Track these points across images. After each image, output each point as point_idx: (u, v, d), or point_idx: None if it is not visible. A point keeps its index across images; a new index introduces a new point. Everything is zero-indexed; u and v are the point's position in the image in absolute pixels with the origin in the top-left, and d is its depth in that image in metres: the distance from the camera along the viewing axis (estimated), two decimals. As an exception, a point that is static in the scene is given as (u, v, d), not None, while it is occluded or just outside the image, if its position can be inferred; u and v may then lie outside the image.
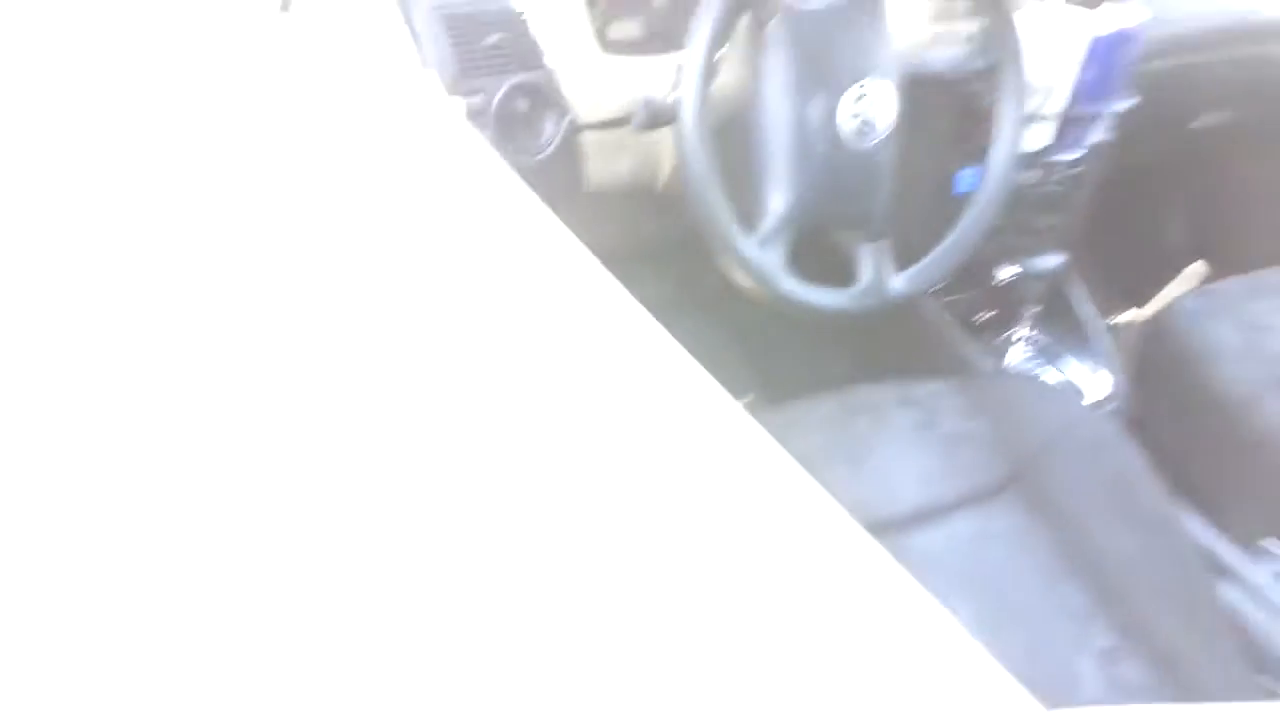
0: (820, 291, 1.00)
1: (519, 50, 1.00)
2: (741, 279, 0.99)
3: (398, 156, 0.69)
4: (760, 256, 0.97)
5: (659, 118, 0.97)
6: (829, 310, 1.01)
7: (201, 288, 0.53)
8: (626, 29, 1.09)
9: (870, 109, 0.99)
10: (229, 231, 0.58)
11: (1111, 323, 1.44)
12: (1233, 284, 1.29)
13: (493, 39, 0.98)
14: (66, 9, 0.88)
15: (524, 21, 1.00)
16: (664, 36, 1.07)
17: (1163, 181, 1.46)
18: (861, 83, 0.97)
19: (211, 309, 0.51)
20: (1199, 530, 1.22)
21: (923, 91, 1.11)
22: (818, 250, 1.05)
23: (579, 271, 0.53)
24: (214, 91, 0.76)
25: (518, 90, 0.98)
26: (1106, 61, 1.18)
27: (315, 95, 0.79)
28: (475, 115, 0.94)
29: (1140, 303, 1.48)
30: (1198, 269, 1.51)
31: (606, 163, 1.07)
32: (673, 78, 0.94)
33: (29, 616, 0.35)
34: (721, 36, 0.92)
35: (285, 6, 0.92)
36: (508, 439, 0.42)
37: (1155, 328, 1.29)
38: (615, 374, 0.46)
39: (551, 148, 1.01)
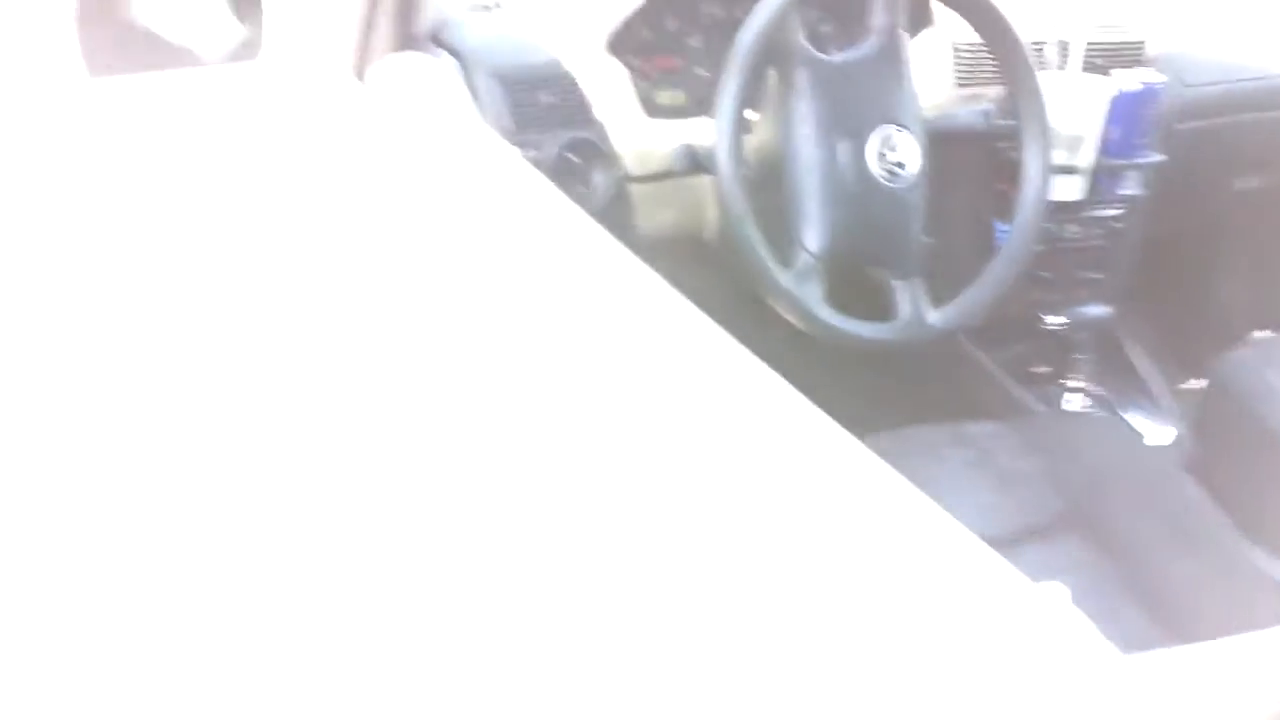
0: (858, 324, 1.03)
1: (570, 108, 1.08)
2: (783, 312, 1.03)
3: (471, 201, 0.75)
4: (798, 290, 1.01)
5: (698, 163, 1.04)
6: (866, 341, 1.04)
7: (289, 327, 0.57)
8: (670, 96, 1.18)
9: (897, 152, 1.05)
10: (319, 271, 0.63)
11: (1177, 388, 1.44)
12: None
13: (546, 98, 1.07)
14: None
15: (575, 82, 1.09)
16: (706, 102, 1.15)
17: (1213, 244, 1.48)
18: (886, 127, 1.03)
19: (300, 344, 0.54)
20: (1265, 562, 1.18)
21: (954, 144, 1.16)
22: (858, 289, 1.09)
23: (653, 297, 0.56)
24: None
25: (569, 145, 1.06)
26: (1130, 117, 1.24)
27: (389, 147, 0.87)
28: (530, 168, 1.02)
29: (1199, 368, 1.48)
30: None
31: (655, 213, 1.14)
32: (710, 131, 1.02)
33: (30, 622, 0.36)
34: (749, 86, 0.99)
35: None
36: (606, 465, 0.45)
37: (1218, 377, 1.28)
38: (716, 401, 0.48)
39: (602, 199, 1.08)
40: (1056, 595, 0.33)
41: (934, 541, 0.34)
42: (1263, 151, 1.43)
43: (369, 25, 1.01)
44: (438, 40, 1.06)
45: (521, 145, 1.03)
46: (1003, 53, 1.10)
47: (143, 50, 0.90)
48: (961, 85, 1.26)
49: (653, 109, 1.16)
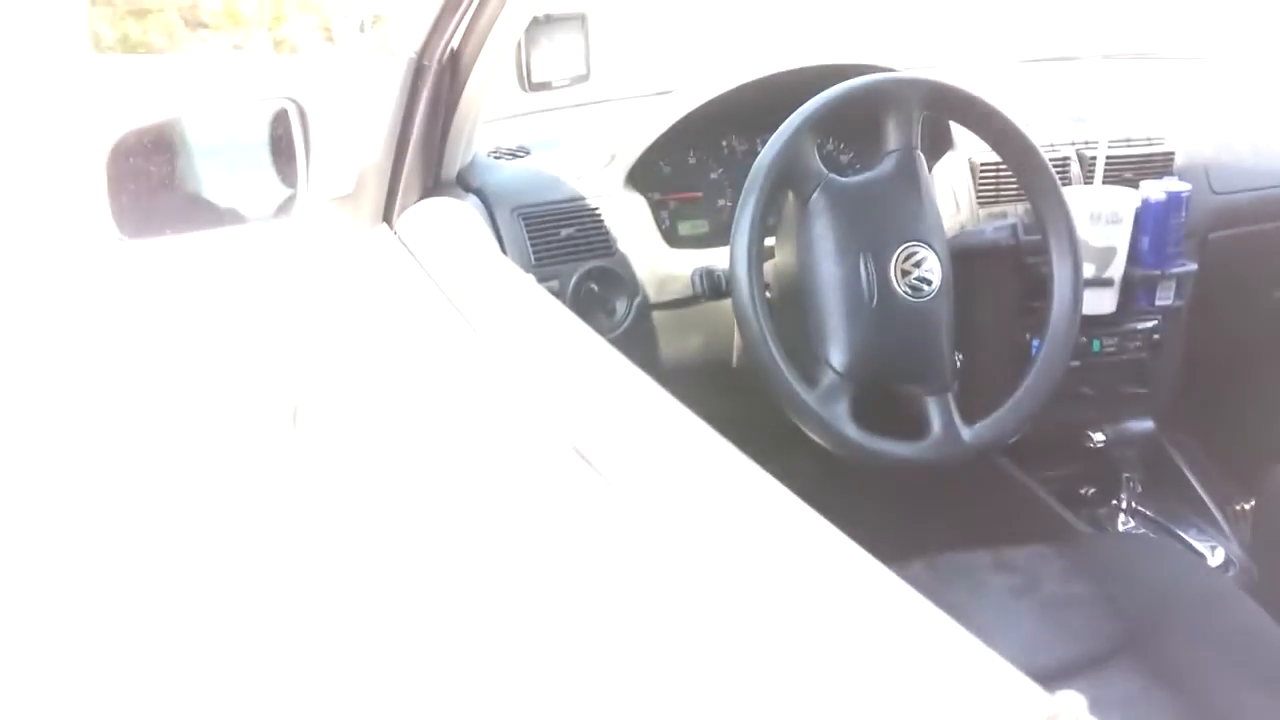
0: (889, 442, 1.01)
1: (591, 240, 1.11)
2: (811, 433, 1.01)
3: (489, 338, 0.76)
4: (824, 410, 1.00)
5: (717, 287, 1.05)
6: (898, 460, 1.01)
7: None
8: (691, 227, 1.20)
9: (920, 269, 1.04)
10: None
11: (1232, 508, 1.38)
12: None
13: (567, 231, 1.09)
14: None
15: (597, 214, 1.12)
16: (726, 232, 1.17)
17: (1255, 355, 1.45)
18: (908, 244, 1.03)
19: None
20: None
21: (981, 260, 1.16)
22: (888, 408, 1.07)
23: (676, 423, 0.56)
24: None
25: (590, 275, 1.08)
26: (1159, 226, 1.23)
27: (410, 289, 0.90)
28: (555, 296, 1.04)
29: (1250, 484, 1.42)
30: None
31: (679, 340, 1.14)
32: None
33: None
34: (766, 209, 1.00)
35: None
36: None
37: (1269, 494, 1.23)
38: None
39: (625, 326, 1.09)
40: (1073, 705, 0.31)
41: (974, 678, 0.32)
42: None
43: (399, 175, 1.05)
44: (464, 183, 1.09)
45: (543, 277, 1.05)
46: (1024, 170, 1.10)
47: (179, 212, 0.95)
48: (984, 204, 1.26)
49: (674, 240, 1.18)
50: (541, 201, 1.11)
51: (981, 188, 1.26)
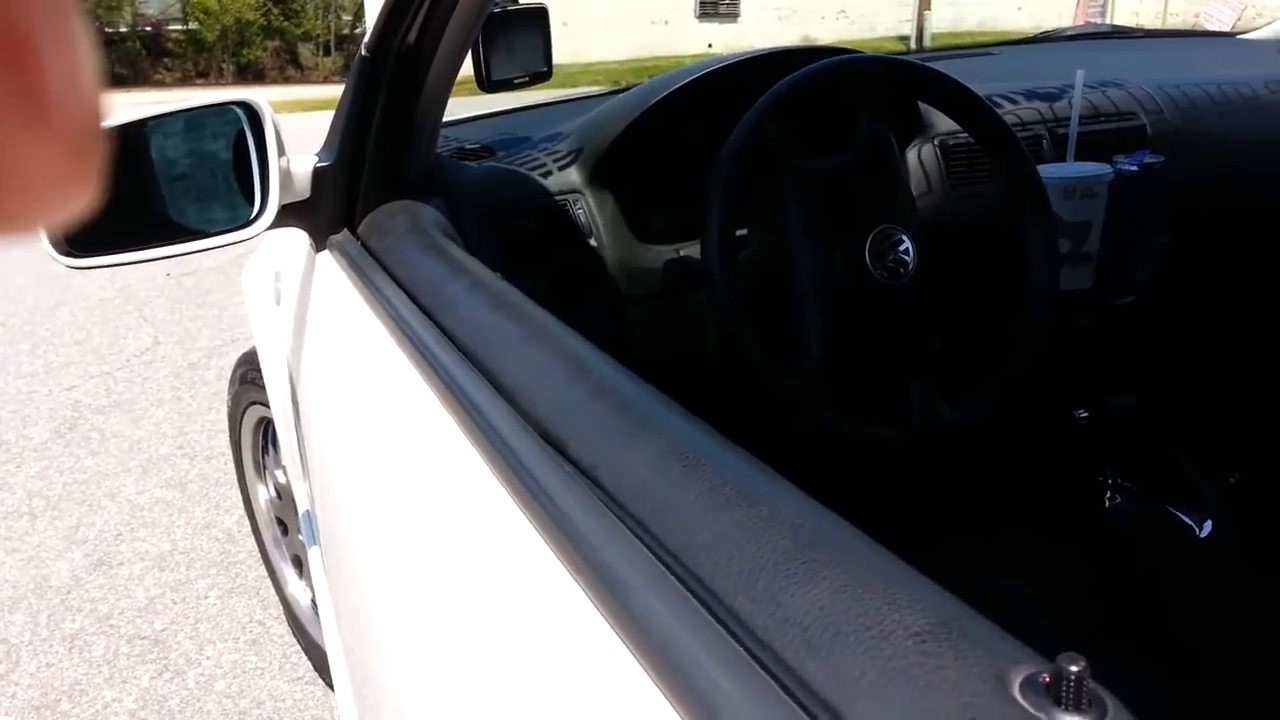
0: (869, 424, 0.99)
1: (562, 236, 1.08)
2: (792, 420, 0.99)
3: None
4: (804, 396, 0.98)
5: (690, 278, 1.02)
6: (879, 442, 0.99)
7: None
8: (662, 220, 1.18)
9: (895, 252, 1.02)
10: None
11: (1218, 482, 1.37)
12: None
13: (535, 228, 1.07)
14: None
15: (566, 211, 1.09)
16: (697, 224, 1.15)
17: (1232, 326, 1.44)
18: (882, 227, 1.02)
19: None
20: None
21: (957, 241, 1.14)
22: (869, 391, 1.05)
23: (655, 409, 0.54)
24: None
25: (561, 271, 1.06)
26: (1134, 199, 1.21)
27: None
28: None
29: (1236, 456, 1.41)
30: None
31: (655, 334, 1.12)
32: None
33: None
34: (737, 198, 0.98)
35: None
36: None
37: (1256, 465, 1.22)
38: None
39: (599, 322, 1.07)
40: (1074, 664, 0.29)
41: (974, 645, 0.31)
42: (1263, 225, 1.41)
43: (359, 178, 1.02)
44: (428, 185, 1.06)
45: (514, 276, 1.03)
46: (996, 149, 1.08)
47: (132, 230, 0.91)
48: (956, 185, 1.25)
49: (645, 234, 1.15)
50: (509, 200, 1.09)
51: (953, 168, 1.24)
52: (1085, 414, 1.27)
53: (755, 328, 0.98)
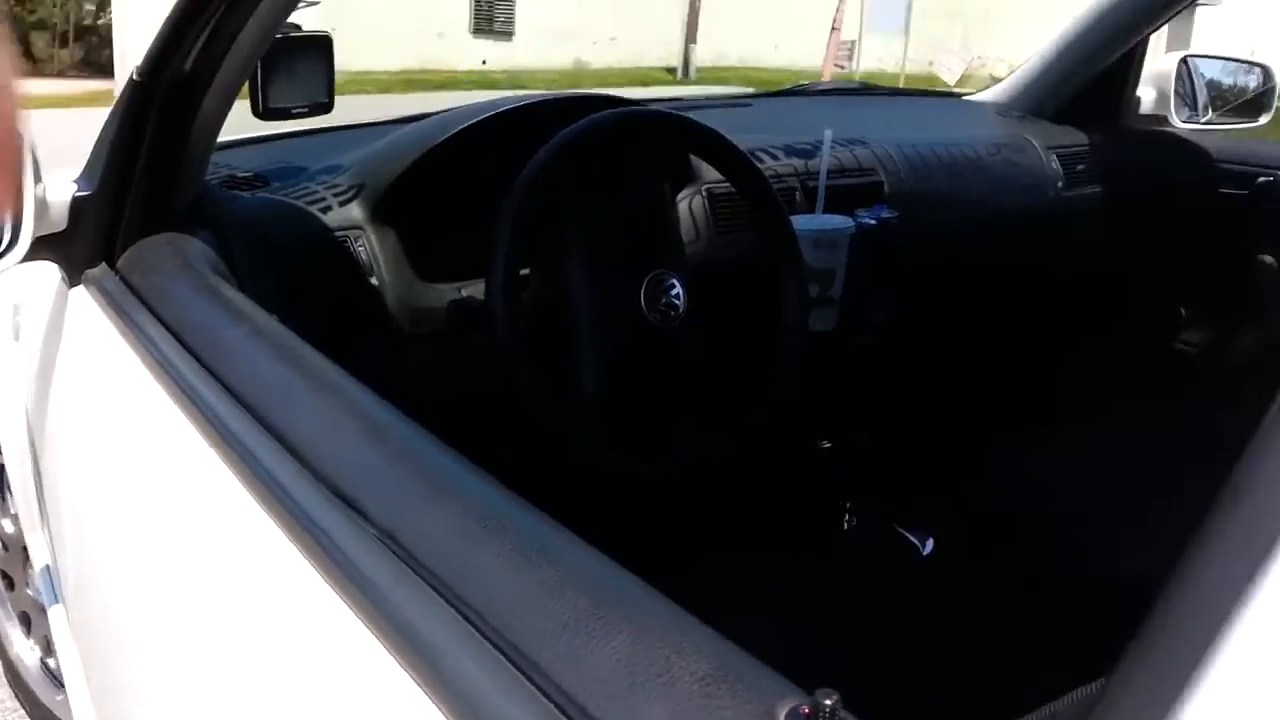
0: (641, 460, 1.06)
1: (340, 274, 1.08)
2: (567, 456, 1.04)
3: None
4: (580, 433, 1.03)
5: (473, 318, 1.05)
6: (648, 475, 1.06)
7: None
8: (445, 259, 1.18)
9: (669, 296, 1.10)
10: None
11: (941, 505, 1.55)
12: None
13: (313, 265, 1.06)
14: None
15: (345, 248, 1.09)
16: (479, 262, 1.16)
17: (961, 368, 1.63)
18: (656, 273, 1.09)
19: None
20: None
21: (722, 284, 1.23)
22: (642, 428, 1.12)
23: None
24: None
25: (339, 311, 1.05)
26: (869, 250, 1.35)
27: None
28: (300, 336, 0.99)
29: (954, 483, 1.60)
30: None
31: (439, 374, 1.13)
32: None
33: None
34: (521, 242, 1.02)
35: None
36: None
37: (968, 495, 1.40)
38: None
39: (379, 362, 1.07)
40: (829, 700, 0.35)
41: (732, 680, 0.36)
42: (983, 276, 1.61)
43: (121, 209, 0.97)
44: (197, 217, 1.02)
45: (287, 316, 1.01)
46: (757, 202, 1.18)
47: None
48: (721, 233, 1.34)
49: (428, 272, 1.16)
50: (286, 235, 1.07)
51: (718, 216, 1.33)
52: (828, 444, 1.40)
53: (535, 367, 1.02)
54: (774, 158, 1.42)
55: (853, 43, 13.65)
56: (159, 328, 0.80)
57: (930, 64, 12.81)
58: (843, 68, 13.65)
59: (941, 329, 1.53)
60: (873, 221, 1.36)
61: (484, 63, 14.60)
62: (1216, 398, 1.59)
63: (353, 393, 0.64)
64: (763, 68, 15.06)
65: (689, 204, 1.32)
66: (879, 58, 14.84)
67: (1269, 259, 1.62)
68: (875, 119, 1.71)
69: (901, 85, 12.33)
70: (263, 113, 1.05)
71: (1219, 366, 1.71)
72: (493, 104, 1.20)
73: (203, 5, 0.86)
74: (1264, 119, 1.83)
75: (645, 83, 14.22)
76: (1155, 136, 1.79)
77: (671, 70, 15.77)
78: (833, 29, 13.47)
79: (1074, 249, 1.72)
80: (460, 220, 1.18)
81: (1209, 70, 1.80)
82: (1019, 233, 1.66)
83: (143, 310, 0.86)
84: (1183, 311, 1.76)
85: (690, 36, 15.61)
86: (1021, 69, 1.87)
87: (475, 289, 1.16)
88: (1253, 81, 1.84)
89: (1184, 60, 1.77)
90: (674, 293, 1.10)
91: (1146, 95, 1.78)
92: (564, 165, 1.05)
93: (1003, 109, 1.84)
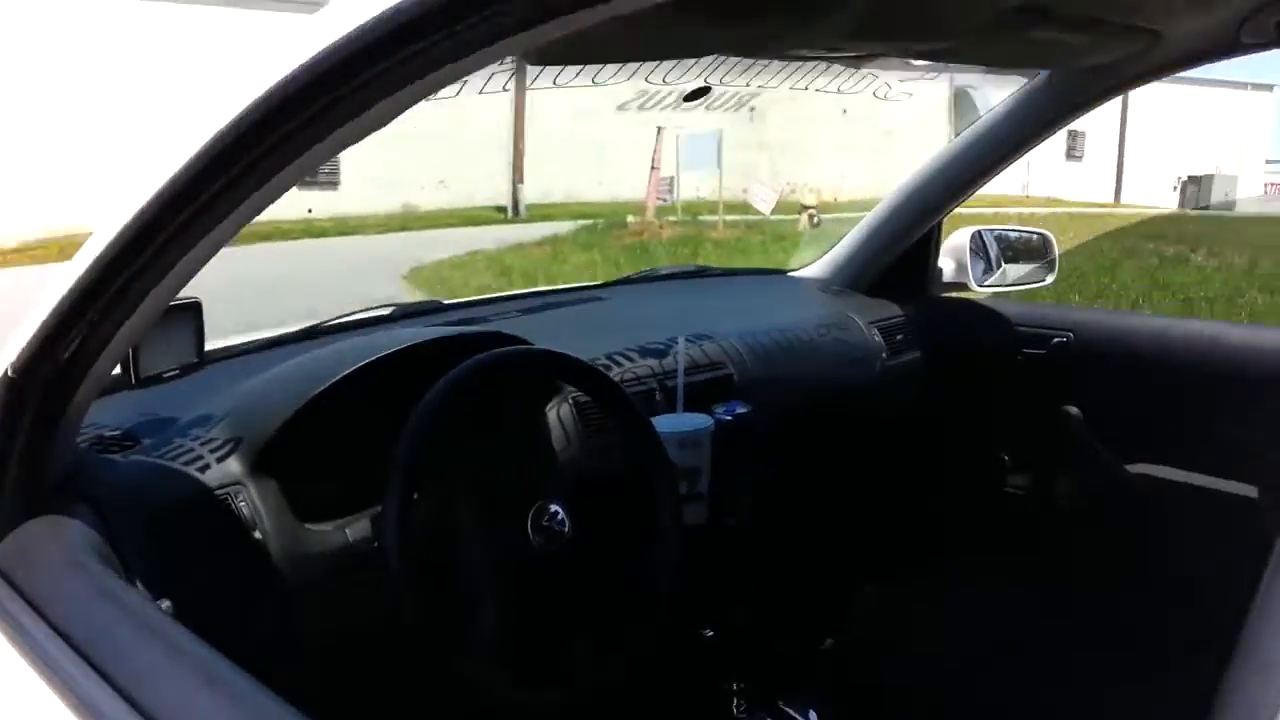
0: (537, 691, 1.09)
1: (224, 535, 1.08)
2: (465, 688, 1.06)
3: None
4: (477, 667, 1.05)
5: (363, 557, 1.07)
6: (548, 706, 1.09)
7: None
8: (331, 504, 1.19)
9: (553, 521, 1.15)
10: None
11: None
12: None
13: (196, 528, 1.05)
14: None
15: (226, 504, 1.09)
16: (367, 504, 1.18)
17: (818, 549, 1.74)
18: (539, 503, 1.14)
19: None
20: None
21: (603, 496, 1.29)
22: (539, 654, 1.15)
23: None
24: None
25: (225, 576, 1.05)
26: (729, 444, 1.46)
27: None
28: (185, 607, 0.98)
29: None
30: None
31: (333, 620, 1.13)
32: (373, 527, 1.07)
33: None
34: (411, 480, 1.06)
35: None
36: None
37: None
38: None
39: (271, 624, 1.07)
40: None
41: None
42: (830, 449, 1.74)
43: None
44: (72, 490, 1.00)
45: (173, 593, 0.99)
46: (623, 422, 1.26)
47: None
48: (590, 435, 1.41)
49: (312, 514, 1.17)
50: (163, 504, 1.06)
51: (586, 422, 1.41)
52: (710, 632, 1.46)
53: (428, 604, 1.04)
54: (631, 361, 1.52)
55: (671, 178, 14.35)
56: (58, 642, 0.78)
57: (744, 192, 13.58)
58: (665, 200, 14.30)
59: (801, 503, 1.64)
60: (729, 417, 1.46)
61: (310, 211, 14.52)
62: (1054, 542, 1.76)
63: (258, 699, 0.66)
64: (588, 202, 15.59)
65: (557, 412, 1.39)
66: (696, 188, 15.63)
67: (1073, 410, 1.81)
68: (716, 307, 1.85)
69: (720, 213, 13.11)
70: (136, 383, 1.06)
71: (1046, 506, 1.88)
72: (372, 346, 1.24)
73: (82, 307, 0.87)
74: (1050, 279, 2.08)
75: (476, 222, 14.48)
76: (960, 303, 2.00)
77: (501, 209, 16.11)
78: (652, 168, 14.14)
79: (904, 411, 1.89)
80: (343, 461, 1.20)
81: (998, 240, 2.04)
82: (854, 403, 1.81)
83: (30, 613, 0.84)
84: (1006, 459, 1.94)
85: (518, 175, 16.06)
86: (837, 247, 2.07)
87: (360, 525, 1.18)
88: (1036, 246, 2.09)
89: (976, 233, 2.01)
90: (559, 518, 1.15)
91: (947, 266, 2.00)
92: (448, 408, 1.10)
93: (824, 284, 2.02)
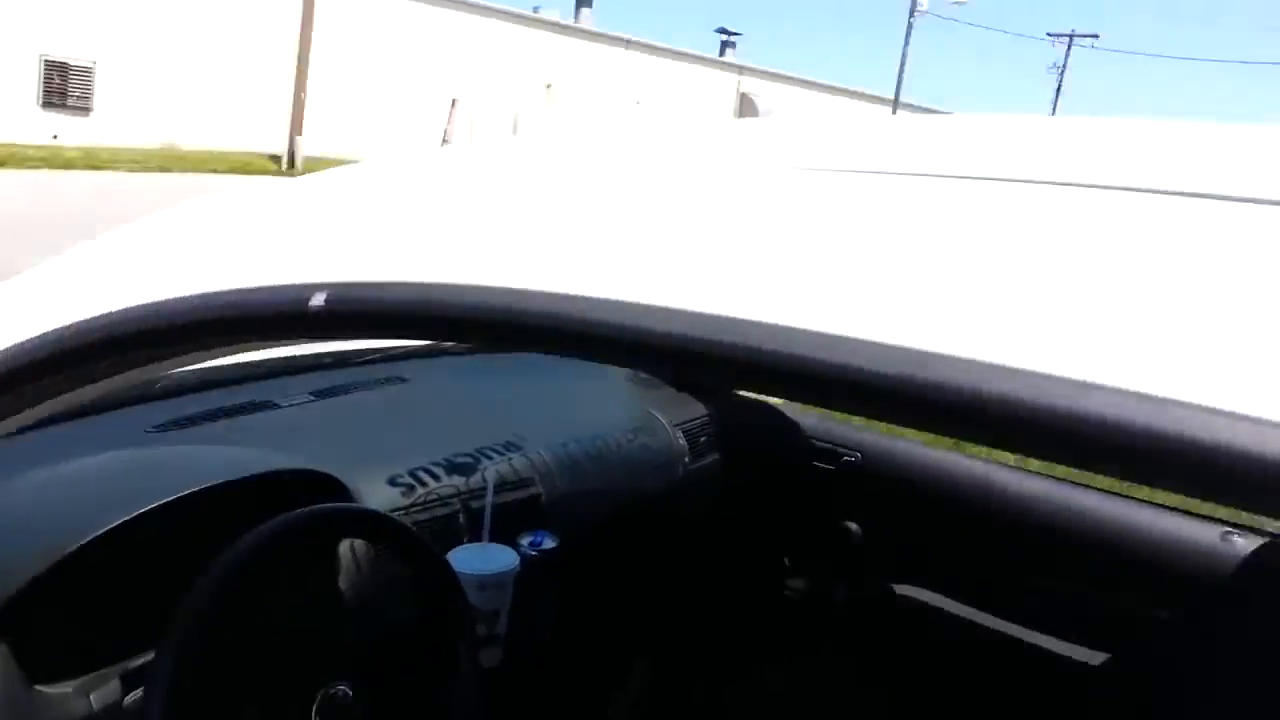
0: None
1: None
2: None
3: None
4: None
5: None
6: None
7: None
8: (71, 659, 1.04)
9: (343, 704, 1.06)
10: None
11: None
12: None
13: None
14: None
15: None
16: (107, 647, 1.04)
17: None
18: (326, 691, 1.04)
19: None
20: None
21: (396, 659, 1.20)
22: None
23: None
24: None
25: None
26: (534, 583, 1.40)
27: None
28: None
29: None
30: None
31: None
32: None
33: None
34: (188, 661, 0.93)
35: None
36: None
37: None
38: None
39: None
40: None
41: None
42: (635, 566, 1.73)
43: None
44: None
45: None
46: (414, 559, 1.17)
47: None
48: (386, 562, 1.31)
49: (47, 673, 1.01)
50: None
51: (379, 569, 1.30)
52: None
53: None
54: (437, 480, 1.43)
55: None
56: None
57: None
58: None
59: (601, 629, 1.61)
60: (534, 553, 1.41)
61: (55, 138, 13.05)
62: (826, 645, 1.83)
63: None
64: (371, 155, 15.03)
65: (352, 557, 1.28)
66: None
67: (853, 525, 1.90)
68: (524, 399, 1.78)
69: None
70: None
71: (818, 613, 1.96)
72: (146, 482, 1.09)
73: None
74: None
75: (247, 170, 13.53)
76: (760, 407, 2.04)
77: (276, 158, 15.15)
78: (444, 141, 13.87)
79: (703, 512, 1.90)
80: (91, 620, 1.05)
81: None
82: (657, 509, 1.80)
83: None
84: (786, 561, 2.01)
85: (296, 129, 15.16)
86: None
87: (108, 688, 1.04)
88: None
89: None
90: (348, 700, 1.06)
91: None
92: (244, 577, 0.98)
93: (631, 374, 2.00)
